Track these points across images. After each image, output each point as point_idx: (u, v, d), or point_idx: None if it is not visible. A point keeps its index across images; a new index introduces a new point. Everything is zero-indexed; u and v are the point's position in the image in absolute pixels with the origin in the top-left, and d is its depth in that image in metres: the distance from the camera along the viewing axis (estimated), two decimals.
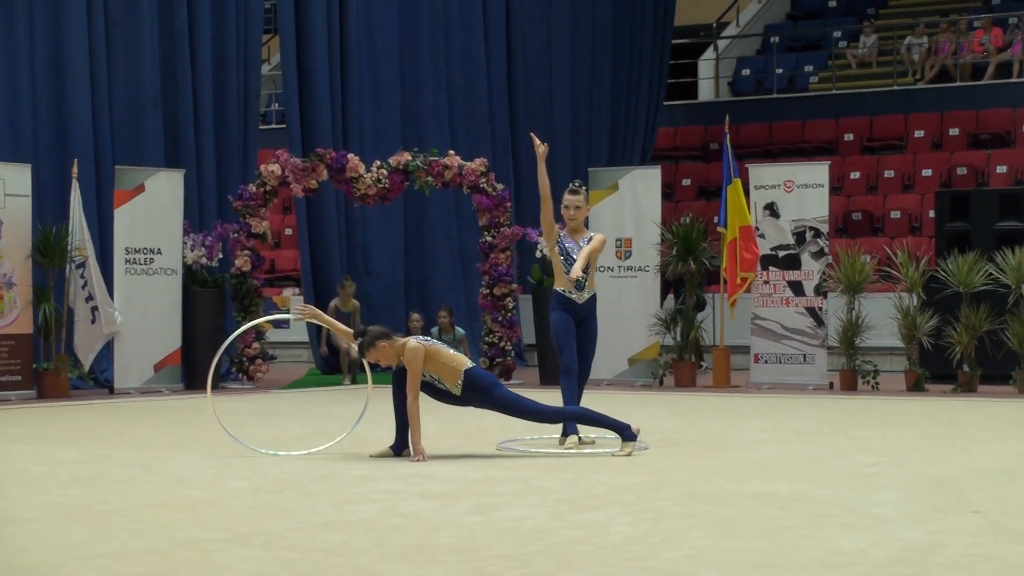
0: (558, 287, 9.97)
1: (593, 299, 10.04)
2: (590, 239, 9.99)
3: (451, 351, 9.34)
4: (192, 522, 6.71)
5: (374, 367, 9.67)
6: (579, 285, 9.91)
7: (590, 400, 10.35)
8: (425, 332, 16.58)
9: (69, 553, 5.98)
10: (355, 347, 9.49)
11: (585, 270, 9.86)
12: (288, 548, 6.04)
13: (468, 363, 9.32)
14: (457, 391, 9.26)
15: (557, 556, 5.82)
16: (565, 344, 9.85)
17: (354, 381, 17.05)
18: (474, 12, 20.97)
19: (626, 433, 9.36)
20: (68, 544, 6.18)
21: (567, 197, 10.02)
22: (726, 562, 5.70)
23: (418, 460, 9.06)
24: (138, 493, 7.76)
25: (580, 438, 9.92)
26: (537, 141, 10.01)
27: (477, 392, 9.28)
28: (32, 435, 11.26)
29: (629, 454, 9.28)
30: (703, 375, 16.67)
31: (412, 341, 9.20)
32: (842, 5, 28.97)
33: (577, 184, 10.21)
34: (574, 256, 9.87)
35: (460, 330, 17.40)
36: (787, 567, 5.62)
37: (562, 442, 9.90)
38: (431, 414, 10.18)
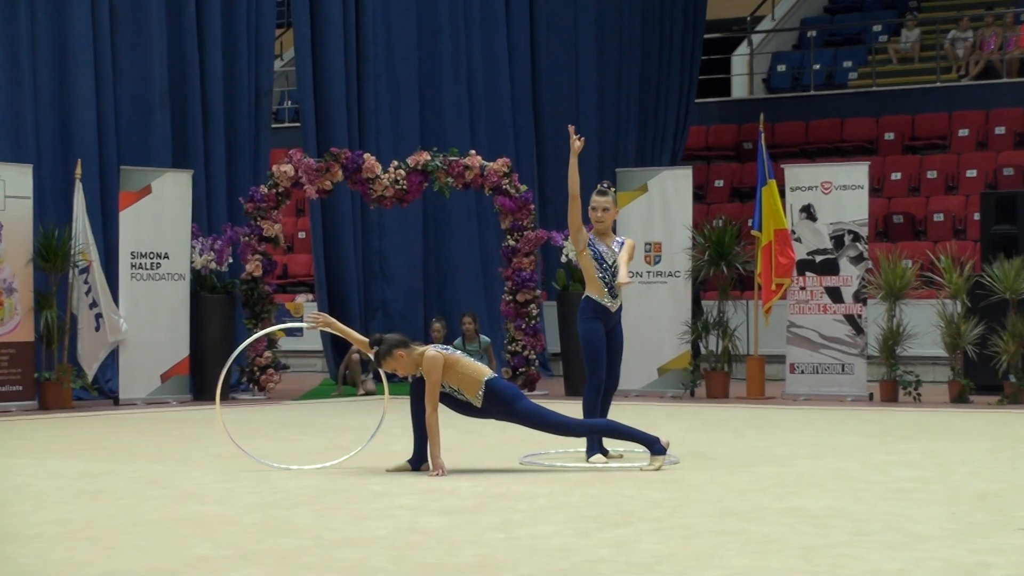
0: (592, 294, 9.85)
1: (621, 307, 9.96)
2: (621, 243, 9.88)
3: (471, 361, 9.28)
4: (202, 539, 6.75)
5: (391, 377, 9.63)
6: (613, 293, 9.79)
7: (618, 412, 10.35)
8: (448, 340, 16.36)
9: (74, 571, 6.01)
10: (372, 356, 9.40)
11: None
12: (302, 566, 6.07)
13: (489, 373, 9.26)
14: (478, 403, 9.21)
15: (583, 575, 5.84)
16: (598, 359, 9.79)
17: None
18: (496, 5, 20.92)
19: (655, 446, 9.30)
20: (73, 562, 6.21)
21: (595, 198, 9.90)
22: None
23: (437, 474, 9.03)
24: (145, 509, 7.76)
25: (607, 452, 9.80)
26: (574, 135, 9.88)
27: (499, 404, 9.21)
28: (35, 448, 11.29)
29: (658, 468, 9.24)
30: (737, 385, 16.48)
31: (431, 350, 9.17)
32: None
33: (606, 185, 10.11)
34: (608, 261, 9.75)
35: (485, 338, 17.27)
36: None
37: (588, 456, 9.76)
38: (451, 426, 10.12)
